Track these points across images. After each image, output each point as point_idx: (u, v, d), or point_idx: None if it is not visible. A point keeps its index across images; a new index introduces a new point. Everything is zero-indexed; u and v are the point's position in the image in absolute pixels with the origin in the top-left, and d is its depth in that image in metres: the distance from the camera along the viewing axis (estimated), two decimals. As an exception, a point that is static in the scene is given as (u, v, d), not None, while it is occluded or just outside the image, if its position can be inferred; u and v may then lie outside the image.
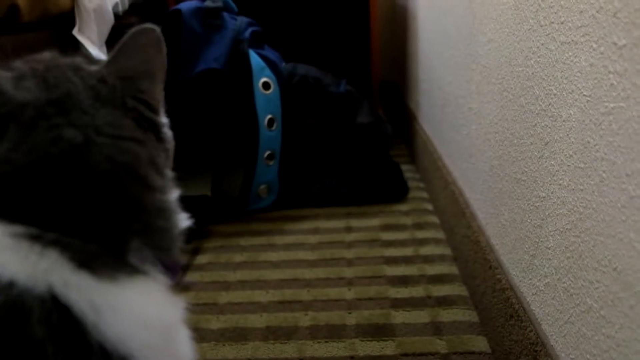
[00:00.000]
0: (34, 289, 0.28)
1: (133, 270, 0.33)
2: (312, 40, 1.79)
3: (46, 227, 0.31)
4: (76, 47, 1.12)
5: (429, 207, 1.21)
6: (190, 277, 0.98)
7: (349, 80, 1.38)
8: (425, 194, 1.27)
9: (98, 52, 1.14)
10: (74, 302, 0.29)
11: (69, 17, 1.12)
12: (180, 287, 0.38)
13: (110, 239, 0.33)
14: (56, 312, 0.28)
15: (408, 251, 1.02)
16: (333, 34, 1.80)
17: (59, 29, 1.10)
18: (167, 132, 0.40)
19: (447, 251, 1.01)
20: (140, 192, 0.35)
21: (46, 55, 0.37)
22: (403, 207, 1.22)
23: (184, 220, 0.40)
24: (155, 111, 0.38)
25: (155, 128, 0.38)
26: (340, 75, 1.39)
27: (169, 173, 0.39)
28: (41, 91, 0.34)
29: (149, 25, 0.37)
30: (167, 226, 0.37)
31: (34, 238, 0.30)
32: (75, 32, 1.12)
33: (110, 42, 1.20)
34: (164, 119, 0.39)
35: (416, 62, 1.47)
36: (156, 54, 0.38)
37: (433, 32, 1.21)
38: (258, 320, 0.84)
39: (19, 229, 0.30)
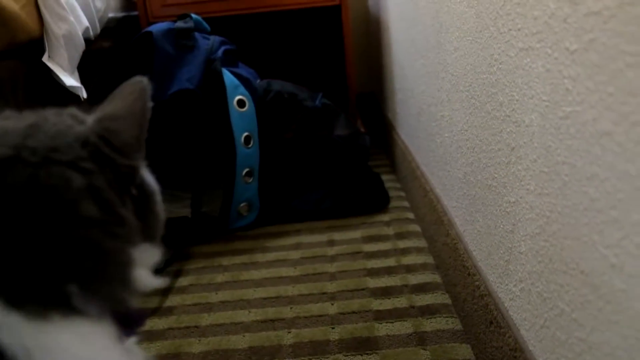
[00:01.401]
0: None
1: (74, 310, 0.31)
2: (287, 56, 1.80)
3: None
4: (47, 74, 1.11)
5: (410, 215, 1.21)
6: (172, 300, 0.97)
7: (326, 94, 1.38)
8: (406, 203, 1.27)
9: (69, 79, 1.13)
10: (6, 344, 0.28)
11: (38, 44, 1.11)
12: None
13: (43, 279, 0.31)
14: None
15: (390, 262, 1.02)
16: (308, 48, 1.81)
17: (29, 57, 1.09)
18: (145, 183, 0.40)
19: (429, 259, 1.01)
20: (68, 221, 0.32)
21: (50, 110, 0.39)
22: (384, 217, 1.22)
23: (150, 279, 0.38)
24: (118, 150, 0.36)
25: (114, 167, 0.36)
26: (317, 89, 1.40)
27: (132, 220, 0.37)
28: (12, 124, 0.35)
29: (138, 77, 0.38)
30: (105, 270, 0.34)
31: None
32: (45, 59, 1.11)
33: (83, 68, 1.20)
34: (132, 162, 0.38)
35: (391, 72, 1.48)
36: (136, 102, 0.38)
37: (404, 42, 1.22)
38: (241, 341, 0.83)
39: None
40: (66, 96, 1.13)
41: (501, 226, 0.62)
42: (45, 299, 0.30)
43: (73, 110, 0.38)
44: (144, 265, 0.38)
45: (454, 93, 0.80)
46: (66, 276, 0.32)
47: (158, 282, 0.39)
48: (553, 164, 0.47)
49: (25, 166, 0.32)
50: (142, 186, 0.39)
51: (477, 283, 0.71)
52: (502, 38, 0.57)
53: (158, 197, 0.42)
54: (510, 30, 0.55)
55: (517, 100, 0.55)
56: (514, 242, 0.59)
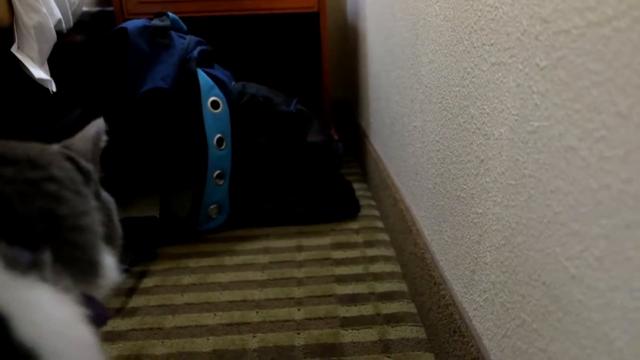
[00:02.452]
0: None
1: (47, 280, 0.34)
2: (264, 59, 1.80)
3: None
4: (16, 65, 1.08)
5: (380, 224, 1.22)
6: (136, 301, 0.95)
7: (301, 100, 1.39)
8: (376, 212, 1.28)
9: (39, 71, 1.10)
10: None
11: (7, 34, 1.08)
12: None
13: (24, 242, 0.34)
14: None
15: (358, 269, 1.02)
16: (284, 53, 1.82)
17: (-3, 47, 1.06)
18: (103, 197, 0.44)
19: (396, 268, 1.01)
20: (51, 199, 0.37)
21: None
22: (354, 225, 1.22)
23: (112, 273, 0.41)
24: (82, 157, 0.43)
25: (81, 170, 0.41)
26: (293, 95, 1.40)
27: (98, 213, 0.42)
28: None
29: (97, 120, 0.45)
30: (81, 243, 0.38)
31: None
32: (14, 49, 1.08)
33: (54, 61, 1.17)
34: (93, 168, 0.43)
35: (366, 81, 1.49)
36: (92, 138, 0.45)
37: (381, 52, 1.24)
38: (205, 344, 0.82)
39: None
40: (35, 88, 1.10)
41: (468, 237, 0.63)
42: (27, 263, 0.33)
43: (64, 155, 0.43)
44: (108, 265, 0.41)
45: (427, 104, 0.81)
46: (44, 243, 0.35)
47: (120, 278, 0.42)
48: (520, 176, 0.48)
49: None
50: (101, 198, 0.44)
51: (442, 292, 0.72)
52: (476, 52, 0.59)
53: (115, 213, 0.47)
54: (483, 44, 0.56)
55: (487, 114, 0.56)
56: (479, 252, 0.60)
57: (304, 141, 1.28)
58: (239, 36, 1.76)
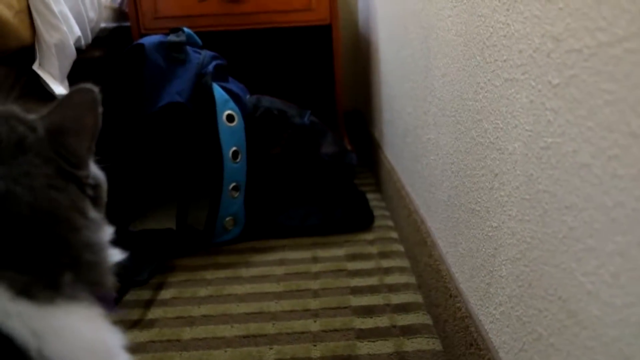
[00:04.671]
0: None
1: (70, 298, 0.35)
2: (277, 72, 1.82)
3: None
4: (37, 82, 1.11)
5: (394, 235, 1.22)
6: (154, 313, 0.97)
7: (314, 111, 1.40)
8: (390, 222, 1.29)
9: (59, 87, 1.13)
10: (16, 331, 0.30)
11: (29, 52, 1.11)
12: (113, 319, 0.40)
13: (43, 271, 0.35)
14: (1, 342, 0.30)
15: (373, 280, 1.03)
16: (298, 66, 1.83)
17: (20, 64, 1.09)
18: (95, 179, 0.42)
19: (411, 280, 1.02)
20: (64, 231, 0.37)
21: None
22: (369, 236, 1.23)
23: (115, 255, 0.42)
24: (76, 166, 0.39)
25: (76, 180, 0.40)
26: (306, 106, 1.41)
27: (97, 215, 0.41)
28: None
29: (87, 85, 0.39)
30: (95, 260, 0.39)
31: None
32: (35, 67, 1.11)
33: (73, 77, 1.20)
34: (87, 172, 0.41)
35: (379, 92, 1.50)
36: (87, 113, 0.40)
37: (393, 64, 1.25)
38: (222, 356, 0.83)
39: None
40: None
41: (483, 250, 0.64)
42: (50, 287, 0.34)
43: (15, 110, 0.39)
44: (109, 245, 0.42)
45: (441, 117, 0.82)
46: (63, 268, 0.36)
47: (119, 255, 0.43)
48: (534, 191, 0.49)
49: (19, 198, 0.35)
50: (94, 184, 0.42)
51: (458, 305, 0.73)
52: (489, 67, 0.59)
53: (104, 185, 0.44)
54: (496, 60, 0.57)
55: (501, 129, 0.56)
56: (495, 265, 0.60)
57: (318, 153, 1.30)
58: (253, 50, 1.79)
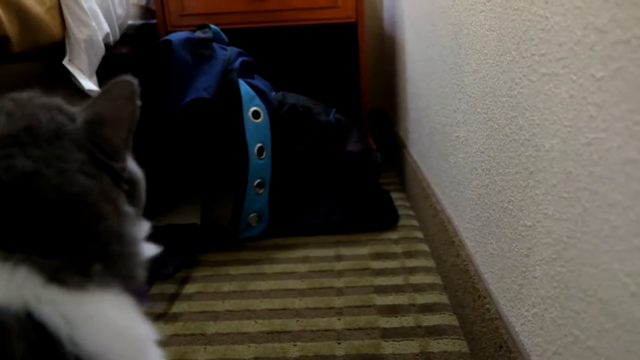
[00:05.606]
0: (11, 307, 0.30)
1: (101, 285, 0.35)
2: (302, 69, 1.82)
3: (11, 249, 0.32)
4: (66, 77, 1.12)
5: (419, 235, 1.20)
6: (178, 306, 0.97)
7: (338, 109, 1.39)
8: (415, 222, 1.27)
9: (88, 82, 1.14)
10: (48, 317, 0.30)
11: (59, 48, 1.13)
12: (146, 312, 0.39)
13: (71, 257, 0.35)
14: (33, 328, 0.30)
15: (398, 280, 1.01)
16: (323, 63, 1.83)
17: (50, 59, 1.10)
18: (132, 174, 0.42)
19: (437, 280, 1.00)
20: (90, 218, 0.37)
21: (24, 93, 0.39)
22: (393, 235, 1.22)
23: (149, 249, 0.42)
24: (110, 156, 0.40)
25: (110, 171, 0.39)
26: (330, 104, 1.41)
27: (130, 209, 0.41)
28: (4, 125, 0.36)
29: (126, 77, 0.40)
30: (125, 252, 0.38)
31: (3, 259, 0.32)
32: (65, 62, 1.12)
33: (100, 72, 1.21)
34: (122, 164, 0.41)
35: (405, 90, 1.49)
36: (125, 105, 0.40)
37: (420, 62, 1.23)
38: (246, 351, 0.83)
39: None
40: (84, 99, 1.14)
41: (515, 250, 0.62)
42: (81, 274, 0.34)
43: (58, 102, 0.40)
44: (143, 239, 0.42)
45: (471, 114, 0.80)
46: (92, 258, 0.36)
47: (153, 249, 0.43)
48: (573, 189, 0.47)
49: (47, 179, 0.35)
50: (130, 178, 0.43)
51: (487, 306, 0.71)
52: (525, 62, 0.58)
53: (143, 184, 0.45)
54: (533, 55, 0.56)
55: (537, 125, 0.55)
56: (528, 266, 0.58)
57: (343, 150, 1.29)
58: (278, 47, 1.79)
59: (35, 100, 0.39)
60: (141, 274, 0.40)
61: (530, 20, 0.56)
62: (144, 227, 0.42)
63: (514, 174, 0.62)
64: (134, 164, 0.44)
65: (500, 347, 0.66)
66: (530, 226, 0.58)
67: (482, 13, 0.73)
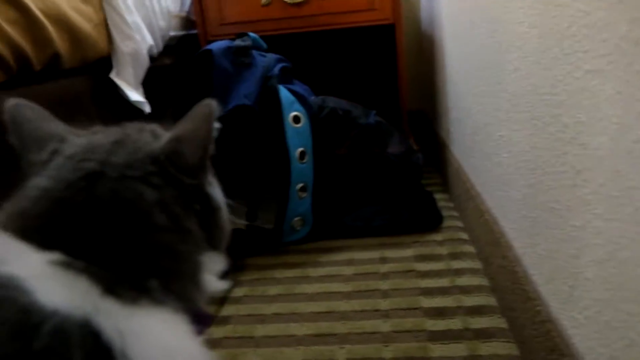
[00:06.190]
0: (73, 315, 0.31)
1: (155, 302, 0.35)
2: (341, 73, 1.82)
3: (73, 254, 0.34)
4: (114, 90, 1.17)
5: (464, 236, 1.19)
6: (227, 309, 0.99)
7: (378, 111, 1.39)
8: (459, 223, 1.26)
9: (134, 94, 1.19)
10: (104, 328, 0.31)
11: (106, 62, 1.17)
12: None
13: (126, 270, 0.35)
14: (90, 337, 0.31)
15: (444, 282, 1.00)
16: (361, 66, 1.83)
17: (97, 73, 1.15)
18: (210, 198, 0.43)
19: (484, 282, 0.99)
20: (143, 227, 0.37)
21: (135, 122, 0.44)
22: (437, 236, 1.21)
23: (217, 283, 0.42)
24: (182, 171, 0.40)
25: (178, 184, 0.40)
26: (370, 107, 1.41)
27: (196, 229, 0.40)
28: (101, 138, 0.39)
29: (208, 100, 0.41)
30: (176, 269, 0.38)
31: (66, 265, 0.33)
32: (112, 75, 1.17)
33: (145, 83, 1.25)
34: (195, 181, 0.41)
35: (444, 90, 1.47)
36: (201, 124, 0.41)
37: (459, 61, 1.22)
38: (294, 354, 0.84)
39: (53, 256, 0.33)
40: (131, 110, 1.19)
41: (565, 251, 0.61)
42: (136, 289, 0.35)
43: (154, 127, 0.42)
44: (211, 271, 0.42)
45: (514, 113, 0.79)
46: (147, 272, 0.36)
47: (224, 285, 0.43)
48: (624, 188, 0.46)
49: (107, 181, 0.37)
50: (207, 201, 0.43)
51: (537, 308, 0.70)
52: (567, 59, 0.57)
53: (223, 212, 0.45)
54: (576, 51, 0.54)
55: (583, 123, 0.54)
56: (579, 267, 0.57)
57: (385, 153, 1.28)
58: (316, 51, 1.80)
59: (135, 124, 0.42)
60: (200, 298, 0.40)
61: (572, 16, 0.55)
62: (216, 259, 0.42)
63: (561, 173, 0.61)
64: (217, 191, 0.44)
65: (553, 350, 0.64)
66: (579, 226, 0.56)
67: (522, 10, 0.72)
